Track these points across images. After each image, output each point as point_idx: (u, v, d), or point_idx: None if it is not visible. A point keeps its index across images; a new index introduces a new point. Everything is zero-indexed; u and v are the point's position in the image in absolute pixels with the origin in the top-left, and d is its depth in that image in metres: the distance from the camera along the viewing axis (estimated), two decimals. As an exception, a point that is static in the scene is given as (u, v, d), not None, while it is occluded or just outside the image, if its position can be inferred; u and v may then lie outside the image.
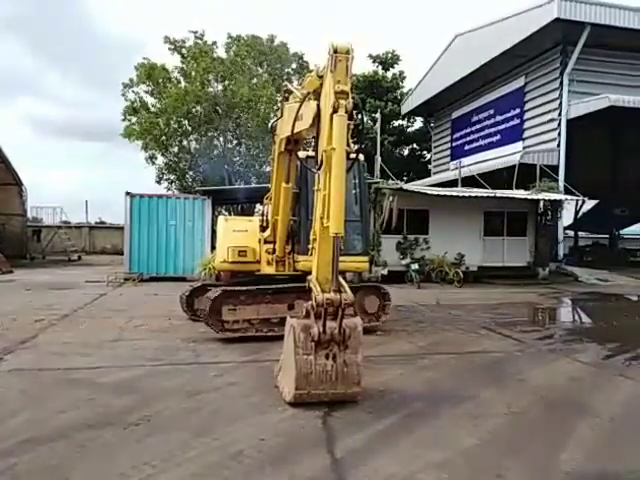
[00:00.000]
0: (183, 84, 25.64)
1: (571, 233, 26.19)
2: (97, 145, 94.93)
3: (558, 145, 17.15)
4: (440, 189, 15.06)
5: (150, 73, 25.42)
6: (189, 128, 26.51)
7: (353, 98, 3.99)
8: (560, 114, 17.17)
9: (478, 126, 22.59)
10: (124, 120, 26.53)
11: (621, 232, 28.38)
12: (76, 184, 76.65)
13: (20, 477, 2.70)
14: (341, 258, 4.04)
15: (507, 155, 18.79)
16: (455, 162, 21.96)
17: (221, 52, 26.92)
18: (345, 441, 3.19)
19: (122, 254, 15.45)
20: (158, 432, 3.31)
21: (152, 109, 26.27)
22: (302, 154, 6.17)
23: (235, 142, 27.41)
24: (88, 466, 2.84)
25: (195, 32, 26.35)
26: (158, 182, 27.73)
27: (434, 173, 26.27)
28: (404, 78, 30.16)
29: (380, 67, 30.05)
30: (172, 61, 26.66)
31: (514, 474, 2.80)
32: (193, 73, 25.04)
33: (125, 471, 2.75)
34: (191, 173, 27.92)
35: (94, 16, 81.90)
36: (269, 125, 6.64)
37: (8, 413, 3.61)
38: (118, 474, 2.72)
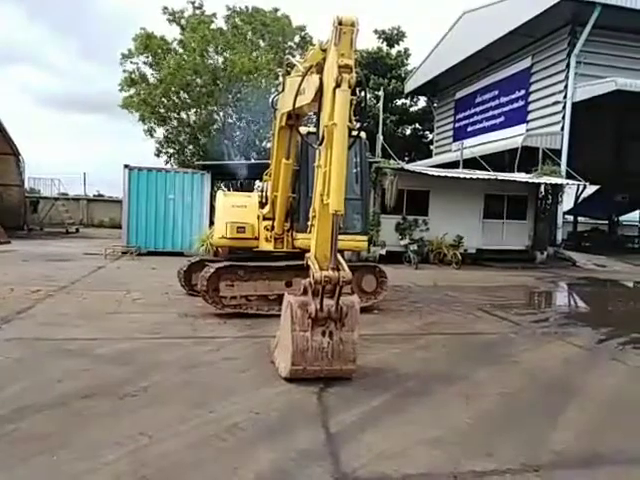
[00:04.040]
0: (182, 52, 25.17)
1: (570, 218, 26.19)
2: (94, 117, 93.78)
3: (562, 128, 16.95)
4: (441, 170, 14.97)
5: (147, 43, 24.92)
6: (188, 101, 26.14)
7: (357, 73, 3.91)
8: (565, 97, 16.92)
9: (482, 107, 22.28)
10: (121, 91, 26.15)
11: (620, 218, 28.37)
12: (73, 156, 75.88)
13: (17, 443, 2.73)
14: (340, 237, 4.01)
15: (510, 137, 18.58)
16: (457, 143, 21.74)
17: (221, 23, 26.45)
18: (339, 417, 3.22)
19: (120, 228, 15.42)
20: (154, 403, 3.34)
21: (151, 80, 25.86)
22: (303, 130, 6.09)
23: (235, 117, 27.07)
24: (85, 434, 2.87)
25: (193, 2, 25.86)
26: (157, 155, 27.52)
27: (436, 154, 26.03)
28: (409, 56, 29.63)
29: (385, 43, 29.46)
30: (171, 34, 26.21)
31: (504, 452, 2.84)
32: (192, 43, 24.55)
33: (121, 440, 2.78)
34: (191, 147, 27.65)
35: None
36: (270, 100, 6.53)
37: (5, 381, 3.63)
38: (114, 443, 2.75)
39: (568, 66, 16.86)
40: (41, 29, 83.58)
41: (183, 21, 26.01)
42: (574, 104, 16.67)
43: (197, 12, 25.94)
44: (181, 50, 25.44)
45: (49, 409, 3.18)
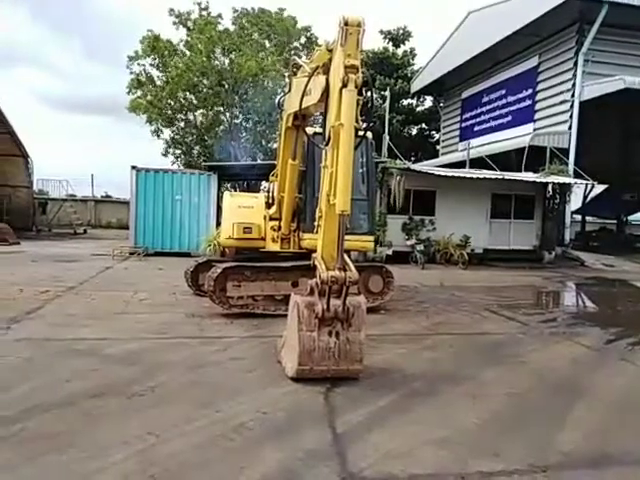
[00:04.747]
0: (188, 54, 25.29)
1: (578, 217, 25.98)
2: (102, 119, 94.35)
3: (569, 127, 16.83)
4: (448, 170, 14.92)
5: (154, 45, 25.06)
6: (195, 102, 26.26)
7: (363, 73, 3.91)
8: (573, 95, 16.80)
9: (488, 107, 22.18)
10: (129, 93, 26.31)
11: (629, 218, 28.13)
12: (81, 158, 76.44)
13: (26, 443, 2.75)
14: (346, 237, 4.01)
15: (517, 137, 18.48)
16: (464, 143, 21.65)
17: (227, 24, 26.57)
18: (346, 417, 3.22)
19: (127, 229, 15.51)
20: (162, 403, 3.36)
21: (158, 82, 26.01)
22: (309, 130, 6.09)
23: (242, 118, 27.15)
24: (93, 433, 2.89)
25: (199, 3, 26.00)
26: (164, 155, 27.69)
27: (442, 154, 25.95)
28: (415, 55, 29.55)
29: (391, 43, 29.40)
30: (177, 35, 26.37)
31: (512, 453, 2.83)
32: (199, 45, 24.65)
33: (129, 440, 2.80)
34: (197, 148, 27.77)
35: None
36: (276, 100, 6.54)
37: (14, 381, 3.67)
38: (122, 442, 2.77)
39: (576, 65, 16.74)
40: (43, 30, 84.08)
41: (190, 23, 26.15)
42: (582, 103, 16.55)
43: (203, 13, 26.07)
44: (188, 52, 25.58)
45: (58, 408, 3.21)
